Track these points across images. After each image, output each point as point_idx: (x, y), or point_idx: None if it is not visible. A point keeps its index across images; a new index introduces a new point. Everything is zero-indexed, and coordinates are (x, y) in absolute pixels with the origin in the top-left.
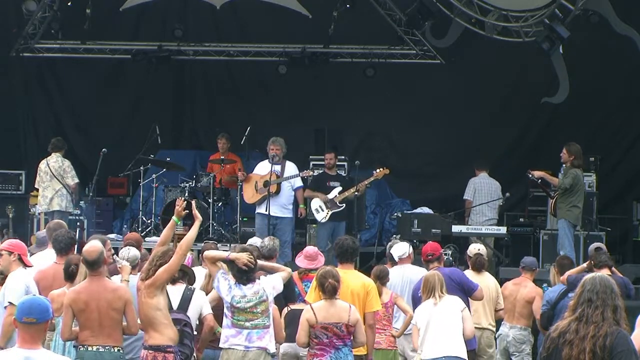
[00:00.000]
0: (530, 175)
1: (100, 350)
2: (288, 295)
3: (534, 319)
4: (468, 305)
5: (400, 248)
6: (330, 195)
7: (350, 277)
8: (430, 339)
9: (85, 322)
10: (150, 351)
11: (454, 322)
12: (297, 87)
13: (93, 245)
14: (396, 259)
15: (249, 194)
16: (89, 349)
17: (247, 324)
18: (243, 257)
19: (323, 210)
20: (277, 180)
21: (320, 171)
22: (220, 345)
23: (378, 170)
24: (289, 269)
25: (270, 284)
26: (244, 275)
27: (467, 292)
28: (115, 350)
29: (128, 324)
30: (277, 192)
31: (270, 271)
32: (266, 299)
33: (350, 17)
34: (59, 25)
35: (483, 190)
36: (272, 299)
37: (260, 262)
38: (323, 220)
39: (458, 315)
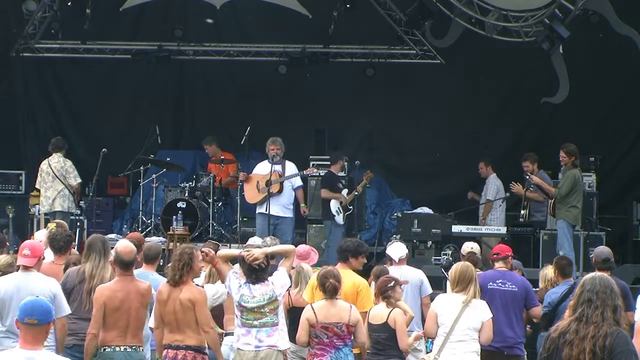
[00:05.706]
0: (528, 177)
1: (129, 350)
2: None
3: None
4: None
5: (399, 249)
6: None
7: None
8: (451, 346)
9: (115, 321)
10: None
11: (477, 330)
12: (297, 87)
13: (127, 245)
14: (396, 259)
15: (251, 194)
16: (117, 349)
17: (256, 322)
18: (253, 253)
19: (340, 213)
20: (278, 180)
21: (325, 171)
22: (234, 344)
23: (365, 174)
24: (293, 246)
25: (280, 283)
26: (254, 273)
27: None
28: (140, 350)
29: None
30: (280, 191)
31: (276, 255)
32: (275, 299)
33: (350, 17)
34: (59, 25)
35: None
36: (282, 299)
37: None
38: (341, 222)
39: (480, 325)
